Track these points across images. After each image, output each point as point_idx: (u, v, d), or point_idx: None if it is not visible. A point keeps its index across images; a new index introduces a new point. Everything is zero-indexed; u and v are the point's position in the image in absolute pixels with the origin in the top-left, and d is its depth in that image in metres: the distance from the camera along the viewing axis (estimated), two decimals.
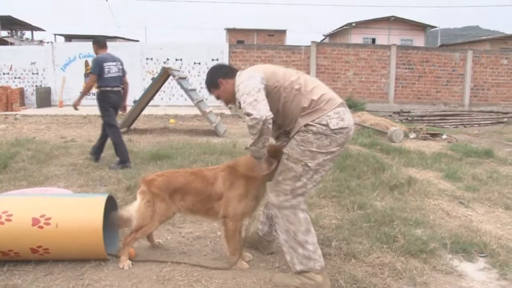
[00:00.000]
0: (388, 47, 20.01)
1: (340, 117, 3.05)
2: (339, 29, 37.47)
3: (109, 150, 7.39)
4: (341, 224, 4.29)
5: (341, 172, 6.31)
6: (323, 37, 42.34)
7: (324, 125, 2.97)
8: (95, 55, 7.24)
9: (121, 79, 7.20)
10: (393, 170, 6.28)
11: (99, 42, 7.37)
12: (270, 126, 2.85)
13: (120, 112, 7.58)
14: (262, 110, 2.79)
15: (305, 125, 2.99)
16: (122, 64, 7.31)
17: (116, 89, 7.09)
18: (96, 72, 6.92)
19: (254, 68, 3.23)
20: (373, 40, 33.83)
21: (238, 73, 3.21)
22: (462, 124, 15.64)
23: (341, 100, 3.19)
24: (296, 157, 3.01)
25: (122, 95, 7.36)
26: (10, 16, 34.35)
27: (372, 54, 19.42)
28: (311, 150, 2.98)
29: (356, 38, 33.79)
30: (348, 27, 35.12)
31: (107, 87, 6.98)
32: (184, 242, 3.93)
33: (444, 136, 10.95)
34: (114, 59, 7.19)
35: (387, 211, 4.57)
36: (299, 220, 3.14)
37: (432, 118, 16.37)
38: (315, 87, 3.11)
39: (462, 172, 6.63)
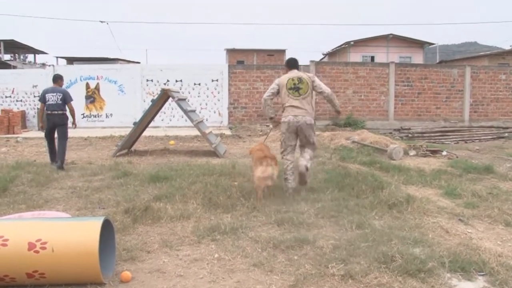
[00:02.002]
0: (386, 64, 20.11)
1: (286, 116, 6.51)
2: (338, 48, 37.71)
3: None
4: (339, 244, 4.27)
5: (339, 191, 6.30)
6: (322, 56, 42.60)
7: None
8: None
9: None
10: (392, 188, 6.26)
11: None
12: (267, 103, 6.90)
13: None
14: (265, 95, 6.89)
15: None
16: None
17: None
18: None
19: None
20: (372, 58, 34.01)
21: None
22: (462, 140, 15.64)
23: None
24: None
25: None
26: (13, 40, 34.67)
27: (371, 72, 19.51)
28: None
29: (355, 56, 34.00)
30: (346, 45, 35.35)
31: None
32: (181, 265, 3.92)
33: (444, 153, 10.95)
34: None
35: (385, 230, 4.55)
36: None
37: (432, 134, 16.37)
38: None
39: (461, 189, 6.60)
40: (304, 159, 6.41)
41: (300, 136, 6.54)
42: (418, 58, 34.83)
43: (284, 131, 6.49)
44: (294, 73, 6.86)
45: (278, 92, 6.82)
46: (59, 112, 9.24)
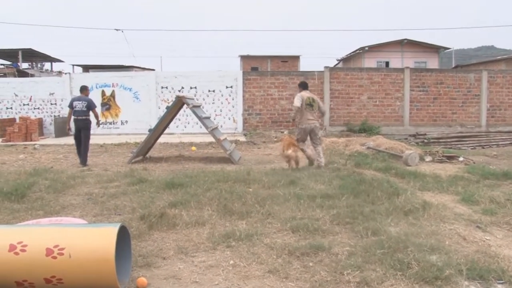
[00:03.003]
0: (401, 70, 20.01)
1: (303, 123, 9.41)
2: (352, 54, 37.61)
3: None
4: (354, 251, 4.24)
5: (354, 198, 6.27)
6: (337, 62, 42.53)
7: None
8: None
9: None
10: (408, 195, 6.22)
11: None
12: (297, 110, 9.35)
13: None
14: (299, 104, 9.25)
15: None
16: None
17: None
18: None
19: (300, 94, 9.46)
20: (387, 64, 33.84)
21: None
22: (480, 145, 15.47)
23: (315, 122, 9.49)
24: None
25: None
26: (30, 49, 35.25)
27: (385, 78, 19.42)
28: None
29: (369, 62, 33.87)
30: (361, 51, 35.25)
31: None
32: (196, 271, 3.93)
33: (461, 159, 10.83)
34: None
35: (401, 237, 4.51)
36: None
37: (448, 140, 16.22)
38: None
39: (479, 195, 6.50)
40: (322, 158, 9.56)
41: (311, 134, 9.58)
42: (433, 63, 34.56)
43: (301, 132, 9.55)
44: (308, 93, 9.65)
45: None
46: (83, 117, 10.69)
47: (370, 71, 19.93)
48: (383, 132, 17.65)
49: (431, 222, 5.21)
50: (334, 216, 5.40)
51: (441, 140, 16.09)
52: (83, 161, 10.60)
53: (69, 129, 11.21)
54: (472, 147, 15.04)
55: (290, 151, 9.10)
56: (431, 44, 35.21)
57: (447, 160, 10.71)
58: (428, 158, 10.70)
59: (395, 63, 33.08)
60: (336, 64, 41.34)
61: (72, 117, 10.81)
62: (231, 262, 4.09)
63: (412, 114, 19.39)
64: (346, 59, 40.13)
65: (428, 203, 5.81)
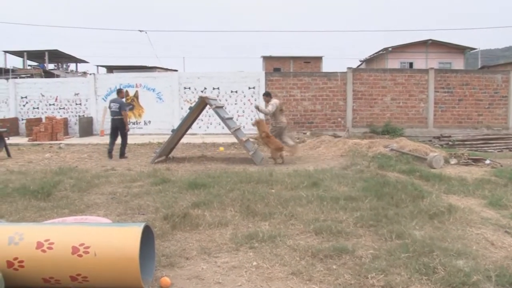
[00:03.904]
0: (425, 71, 19.76)
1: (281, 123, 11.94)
2: (375, 54, 37.25)
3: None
4: (379, 254, 4.19)
5: (378, 200, 6.19)
6: (360, 63, 42.18)
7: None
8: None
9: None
10: (433, 198, 6.12)
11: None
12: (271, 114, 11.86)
13: None
14: (272, 110, 11.58)
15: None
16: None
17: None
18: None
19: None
20: (411, 64, 33.42)
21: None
22: (507, 148, 15.16)
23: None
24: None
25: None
26: (57, 50, 35.86)
27: (409, 79, 19.20)
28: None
29: (393, 62, 33.49)
30: (384, 52, 34.88)
31: None
32: (219, 272, 3.93)
33: (488, 161, 10.62)
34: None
35: (426, 240, 4.43)
36: None
37: (474, 142, 15.93)
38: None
39: (507, 199, 6.37)
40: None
41: (284, 132, 11.96)
42: (458, 63, 33.99)
43: (278, 129, 11.74)
44: (278, 100, 12.39)
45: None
46: (117, 117, 12.04)
47: (393, 72, 19.74)
48: (406, 134, 17.45)
49: (457, 226, 5.11)
50: (357, 218, 5.35)
51: (466, 143, 15.82)
52: (121, 154, 12.07)
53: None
54: (499, 150, 14.75)
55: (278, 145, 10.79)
56: (457, 45, 34.62)
57: (473, 163, 10.51)
58: (453, 161, 10.52)
59: (419, 64, 32.66)
60: (359, 65, 41.03)
61: (110, 117, 12.32)
62: (254, 263, 4.08)
63: (437, 116, 19.13)
64: (369, 60, 39.77)
65: (454, 207, 5.70)
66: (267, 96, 12.24)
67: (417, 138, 16.36)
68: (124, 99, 12.78)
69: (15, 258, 3.40)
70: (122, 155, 12.12)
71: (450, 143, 15.84)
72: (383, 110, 19.14)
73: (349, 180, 7.71)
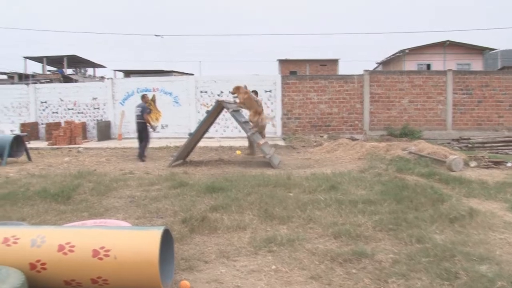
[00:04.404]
0: (443, 72, 19.55)
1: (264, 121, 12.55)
2: (392, 56, 36.95)
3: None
4: (399, 258, 4.15)
5: (397, 204, 6.14)
6: (376, 65, 41.90)
7: None
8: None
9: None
10: (453, 201, 6.05)
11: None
12: None
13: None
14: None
15: None
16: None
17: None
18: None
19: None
20: (428, 66, 33.09)
21: None
22: None
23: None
24: None
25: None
26: (75, 55, 36.30)
27: (427, 81, 19.01)
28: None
29: (410, 64, 33.19)
30: (401, 54, 34.59)
31: None
32: (238, 276, 3.94)
33: (509, 164, 10.44)
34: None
35: (447, 245, 4.38)
36: None
37: (494, 144, 15.68)
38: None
39: None
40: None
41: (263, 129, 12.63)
42: (477, 65, 33.53)
43: (259, 127, 12.08)
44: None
45: None
46: (140, 121, 12.74)
47: (411, 74, 19.57)
48: (424, 136, 17.26)
49: (478, 230, 5.03)
50: (376, 222, 5.31)
51: (486, 145, 15.58)
52: (140, 156, 12.61)
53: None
54: None
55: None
56: (475, 45, 34.16)
57: (493, 166, 10.35)
58: (473, 164, 10.37)
59: (436, 65, 32.32)
60: (376, 68, 40.75)
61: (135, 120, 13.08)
62: (273, 267, 4.07)
63: (455, 118, 18.91)
64: (385, 62, 39.50)
65: (475, 211, 5.62)
66: (254, 93, 13.16)
67: (436, 140, 16.16)
68: (146, 104, 13.21)
69: (38, 261, 3.45)
70: (141, 156, 12.56)
71: (470, 145, 15.62)
72: (400, 112, 18.99)
73: (367, 184, 7.66)
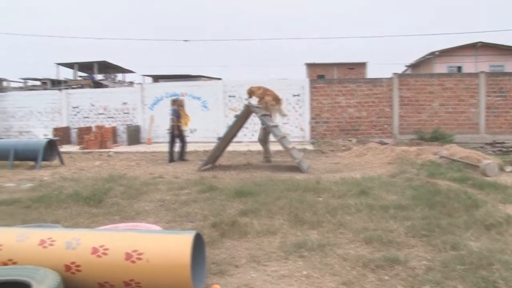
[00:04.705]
0: (475, 74, 19.14)
1: None
2: (421, 59, 36.42)
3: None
4: (432, 265, 4.06)
5: (430, 210, 6.02)
6: (405, 68, 41.35)
7: None
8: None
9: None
10: (489, 207, 5.88)
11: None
12: None
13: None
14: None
15: None
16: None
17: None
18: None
19: None
20: (459, 68, 32.47)
21: None
22: None
23: None
24: None
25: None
26: (105, 61, 37.02)
27: (458, 83, 18.64)
28: None
29: (440, 67, 32.65)
30: (431, 56, 34.05)
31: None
32: (269, 281, 3.91)
33: None
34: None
35: (483, 252, 4.25)
36: None
37: None
38: None
39: None
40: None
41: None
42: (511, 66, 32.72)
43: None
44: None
45: None
46: (171, 124, 13.39)
47: (441, 77, 19.26)
48: (456, 140, 16.92)
49: None
50: (409, 228, 5.21)
51: None
52: (180, 157, 13.37)
53: None
54: None
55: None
56: (509, 46, 33.35)
57: None
58: (508, 168, 10.09)
59: (468, 67, 31.67)
60: (405, 71, 40.23)
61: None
62: (304, 272, 4.04)
63: (489, 121, 18.46)
64: (415, 65, 38.95)
65: None
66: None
67: (468, 144, 15.82)
68: (175, 107, 13.66)
69: (73, 263, 3.51)
70: (181, 156, 13.42)
71: (504, 149, 15.25)
72: (431, 116, 18.67)
73: (398, 188, 7.55)
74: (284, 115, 13.56)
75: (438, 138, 17.49)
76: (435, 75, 19.93)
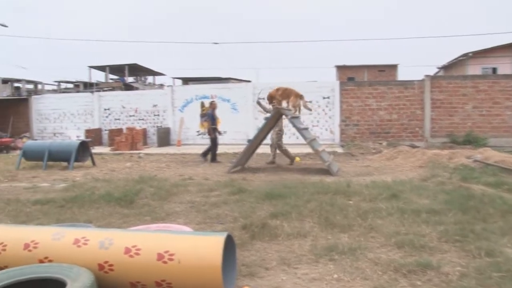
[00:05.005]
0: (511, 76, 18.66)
1: None
2: (454, 61, 35.68)
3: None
4: (467, 272, 3.97)
5: (463, 215, 5.89)
6: (437, 70, 40.60)
7: None
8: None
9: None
10: None
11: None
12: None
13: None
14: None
15: None
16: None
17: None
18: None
19: None
20: (494, 70, 31.70)
21: None
22: None
23: None
24: None
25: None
26: (136, 64, 37.62)
27: (493, 85, 18.20)
28: None
29: (474, 69, 31.90)
30: (464, 57, 33.32)
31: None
32: (300, 284, 3.90)
33: None
34: None
35: None
36: None
37: None
38: None
39: None
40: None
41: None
42: None
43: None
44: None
45: None
46: (213, 126, 13.76)
47: (475, 79, 18.82)
48: (490, 144, 16.51)
49: None
50: (441, 233, 5.11)
51: None
52: (211, 159, 13.68)
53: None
54: None
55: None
56: None
57: None
58: None
59: (504, 69, 30.83)
60: (437, 73, 39.49)
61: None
62: (335, 276, 4.01)
63: None
64: (447, 67, 38.19)
65: None
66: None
67: (503, 148, 15.39)
68: (210, 111, 14.12)
69: (106, 262, 3.57)
70: (211, 159, 13.72)
71: None
72: (464, 119, 18.28)
73: (430, 193, 7.42)
74: (309, 109, 13.80)
75: (471, 141, 17.11)
76: (468, 77, 19.49)
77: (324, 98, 18.98)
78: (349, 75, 40.62)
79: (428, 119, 18.40)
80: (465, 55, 33.10)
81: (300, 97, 12.53)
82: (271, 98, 12.68)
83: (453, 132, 18.10)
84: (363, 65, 42.61)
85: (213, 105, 14.16)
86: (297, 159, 13.52)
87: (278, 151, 12.77)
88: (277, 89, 12.75)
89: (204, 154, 13.91)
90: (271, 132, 12.53)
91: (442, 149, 14.27)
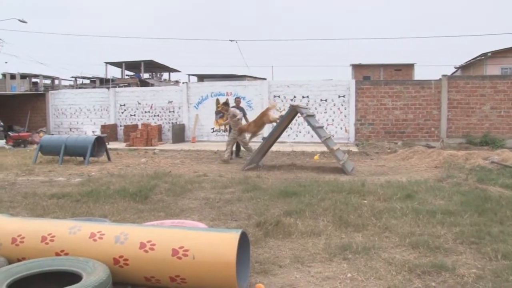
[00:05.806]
0: None
1: None
2: (472, 60, 35.22)
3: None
4: (483, 274, 3.93)
5: (479, 216, 5.82)
6: (455, 70, 40.12)
7: None
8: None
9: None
10: None
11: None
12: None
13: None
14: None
15: None
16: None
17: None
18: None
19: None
20: None
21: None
22: None
23: None
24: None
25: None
26: (151, 60, 37.73)
27: None
28: None
29: (492, 69, 31.46)
30: (482, 57, 32.88)
31: None
32: (313, 282, 3.89)
33: None
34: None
35: None
36: None
37: None
38: None
39: None
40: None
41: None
42: None
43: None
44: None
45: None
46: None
47: (493, 79, 18.57)
48: (508, 145, 16.31)
49: None
50: (457, 234, 5.06)
51: None
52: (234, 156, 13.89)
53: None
54: None
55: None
56: None
57: None
58: None
59: None
60: (454, 72, 39.03)
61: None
62: (349, 275, 3.99)
63: None
64: (465, 67, 37.72)
65: None
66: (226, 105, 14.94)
67: None
68: (233, 108, 14.28)
69: (121, 256, 3.61)
70: (237, 153, 14.16)
71: None
72: (481, 119, 18.06)
73: (446, 193, 7.35)
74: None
75: (488, 142, 16.91)
76: (487, 77, 19.24)
77: (339, 96, 18.90)
78: (365, 74, 40.29)
79: (445, 119, 18.22)
80: (484, 54, 32.65)
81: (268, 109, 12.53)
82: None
83: (470, 133, 17.90)
84: (379, 64, 42.23)
85: (237, 101, 14.93)
86: (316, 157, 13.49)
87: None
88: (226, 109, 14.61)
89: (238, 154, 14.14)
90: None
91: (458, 150, 14.12)
